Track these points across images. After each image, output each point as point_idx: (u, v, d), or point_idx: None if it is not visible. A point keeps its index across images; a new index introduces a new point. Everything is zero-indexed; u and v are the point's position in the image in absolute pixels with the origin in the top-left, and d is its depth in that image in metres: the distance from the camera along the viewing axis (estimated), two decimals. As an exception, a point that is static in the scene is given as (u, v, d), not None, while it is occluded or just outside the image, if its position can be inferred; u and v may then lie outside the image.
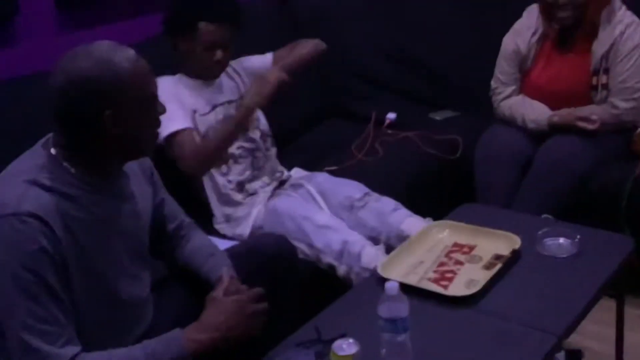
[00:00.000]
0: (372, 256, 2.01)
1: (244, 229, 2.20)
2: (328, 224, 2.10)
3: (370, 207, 2.19)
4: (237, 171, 2.25)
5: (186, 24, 2.16)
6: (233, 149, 2.24)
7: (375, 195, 2.24)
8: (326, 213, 2.18)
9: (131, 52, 1.37)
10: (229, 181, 2.24)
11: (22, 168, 1.35)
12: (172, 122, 2.07)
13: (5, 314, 1.28)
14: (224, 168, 2.23)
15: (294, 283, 1.79)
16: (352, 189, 2.26)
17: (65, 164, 1.36)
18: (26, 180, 1.31)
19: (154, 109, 1.42)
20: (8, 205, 1.28)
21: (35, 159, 1.36)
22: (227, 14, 2.19)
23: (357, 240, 2.06)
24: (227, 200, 2.23)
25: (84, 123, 1.34)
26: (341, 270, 2.04)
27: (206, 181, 2.23)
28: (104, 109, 1.32)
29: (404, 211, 2.18)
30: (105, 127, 1.33)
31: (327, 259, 2.06)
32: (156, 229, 1.62)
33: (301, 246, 2.06)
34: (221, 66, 2.26)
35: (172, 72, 2.25)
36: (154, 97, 1.41)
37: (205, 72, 2.24)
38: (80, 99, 1.32)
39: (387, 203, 2.21)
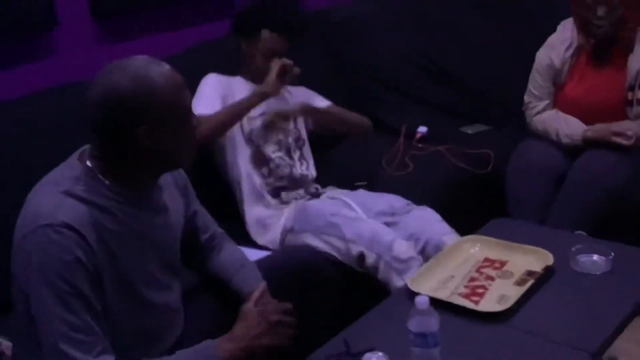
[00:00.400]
0: (403, 248, 2.01)
1: (274, 235, 2.21)
2: (358, 217, 2.12)
3: (414, 214, 2.20)
4: (277, 176, 2.28)
5: (251, 28, 2.25)
6: (273, 156, 2.27)
7: (418, 206, 2.25)
8: (356, 210, 2.19)
9: (166, 67, 1.38)
10: (267, 184, 2.26)
11: (57, 179, 1.37)
12: (197, 107, 2.14)
13: (41, 323, 1.30)
14: (265, 170, 2.26)
15: (322, 296, 1.79)
16: (395, 199, 2.27)
17: (100, 176, 1.37)
18: (62, 191, 1.33)
19: (188, 122, 1.42)
20: (44, 216, 1.30)
21: (70, 171, 1.38)
22: (291, 26, 2.26)
23: (388, 232, 2.07)
24: (261, 200, 2.25)
25: (119, 138, 1.35)
26: (370, 258, 2.03)
27: (244, 181, 2.25)
28: (139, 124, 1.33)
29: (448, 226, 2.16)
30: (140, 142, 1.34)
31: (358, 247, 2.05)
32: (189, 239, 1.63)
33: (332, 240, 2.08)
34: None
35: None
36: (188, 111, 1.42)
37: (260, 78, 2.29)
38: (115, 114, 1.33)
39: (433, 213, 2.20)
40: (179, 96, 1.38)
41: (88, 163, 1.38)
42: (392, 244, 2.02)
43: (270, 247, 2.20)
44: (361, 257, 2.06)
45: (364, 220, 2.13)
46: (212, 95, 2.23)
